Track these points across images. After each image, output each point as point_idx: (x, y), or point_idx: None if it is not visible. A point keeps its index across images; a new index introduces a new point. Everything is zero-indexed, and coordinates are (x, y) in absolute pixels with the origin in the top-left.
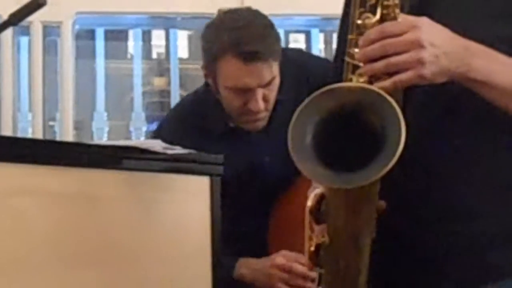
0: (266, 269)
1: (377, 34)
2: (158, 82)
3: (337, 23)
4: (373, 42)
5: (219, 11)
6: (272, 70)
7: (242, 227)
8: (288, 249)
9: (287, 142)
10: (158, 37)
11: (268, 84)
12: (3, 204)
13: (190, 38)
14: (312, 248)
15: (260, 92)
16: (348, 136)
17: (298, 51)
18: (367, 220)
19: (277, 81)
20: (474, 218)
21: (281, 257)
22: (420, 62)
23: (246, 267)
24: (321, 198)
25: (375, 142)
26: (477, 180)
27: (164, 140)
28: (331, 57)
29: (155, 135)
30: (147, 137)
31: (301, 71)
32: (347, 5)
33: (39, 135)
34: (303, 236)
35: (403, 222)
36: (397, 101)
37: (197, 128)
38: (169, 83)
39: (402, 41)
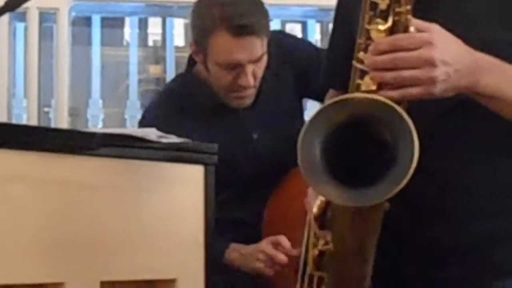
0: (253, 253)
1: (389, 46)
2: (154, 70)
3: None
4: (383, 53)
5: None
6: (262, 45)
7: (235, 213)
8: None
9: (275, 121)
10: (154, 25)
11: (258, 60)
12: None
13: (186, 26)
14: (316, 253)
15: (250, 68)
16: (359, 149)
17: (278, 31)
18: (374, 227)
19: (265, 58)
20: (480, 217)
21: (266, 243)
22: (432, 81)
23: (237, 251)
24: (326, 205)
25: (387, 155)
26: (483, 179)
27: (150, 125)
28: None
29: (141, 122)
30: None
31: (282, 50)
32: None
33: (34, 122)
34: (298, 229)
35: (409, 222)
36: (404, 109)
37: (184, 107)
38: (165, 71)
39: (416, 57)
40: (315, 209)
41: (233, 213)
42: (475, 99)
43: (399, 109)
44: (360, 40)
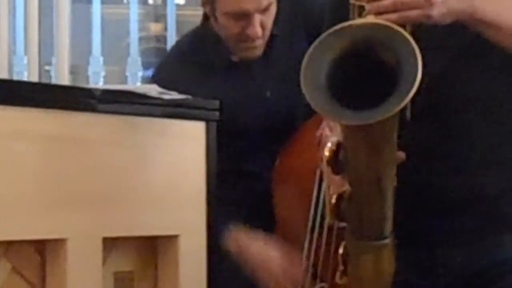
0: (264, 262)
1: None
2: (155, 27)
3: None
4: None
5: None
6: None
7: (245, 165)
8: (290, 198)
9: (287, 78)
10: None
11: (265, 10)
12: None
13: None
14: (333, 200)
15: (257, 18)
16: (363, 73)
17: None
18: (389, 162)
19: (274, 8)
20: (488, 168)
21: (281, 258)
22: (429, 3)
23: (235, 241)
24: (338, 147)
25: (391, 76)
26: (492, 128)
27: (164, 79)
28: None
29: (154, 77)
30: (143, 82)
31: (296, 6)
32: None
33: (34, 79)
34: (308, 181)
35: (418, 173)
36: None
37: (197, 63)
38: (165, 29)
39: None
40: (326, 153)
41: (243, 165)
42: (473, 27)
43: (396, 27)
44: None
